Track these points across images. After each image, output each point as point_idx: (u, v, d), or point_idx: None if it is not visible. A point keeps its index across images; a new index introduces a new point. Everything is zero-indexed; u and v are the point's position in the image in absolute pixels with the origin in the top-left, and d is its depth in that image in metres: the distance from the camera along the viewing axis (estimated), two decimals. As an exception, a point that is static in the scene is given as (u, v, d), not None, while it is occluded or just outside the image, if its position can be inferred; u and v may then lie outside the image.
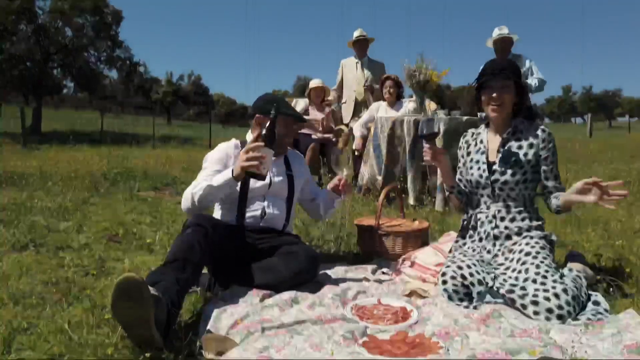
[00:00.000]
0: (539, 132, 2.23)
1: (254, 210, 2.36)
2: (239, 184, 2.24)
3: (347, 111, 6.16)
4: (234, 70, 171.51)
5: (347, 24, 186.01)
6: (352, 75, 6.08)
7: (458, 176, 2.42)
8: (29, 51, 20.67)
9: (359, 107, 6.06)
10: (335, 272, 2.46)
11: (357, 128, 5.47)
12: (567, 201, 2.12)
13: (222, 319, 1.82)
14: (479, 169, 2.28)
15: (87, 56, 23.33)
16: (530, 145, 2.21)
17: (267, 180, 2.34)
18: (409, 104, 4.85)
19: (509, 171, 2.20)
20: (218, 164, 2.34)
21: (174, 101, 45.24)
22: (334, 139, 5.65)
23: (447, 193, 2.41)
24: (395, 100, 5.46)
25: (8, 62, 19.94)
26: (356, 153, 5.42)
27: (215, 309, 1.89)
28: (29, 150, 11.69)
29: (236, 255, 2.23)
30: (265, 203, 2.38)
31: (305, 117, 5.61)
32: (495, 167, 2.24)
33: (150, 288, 1.58)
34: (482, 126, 2.42)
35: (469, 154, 2.38)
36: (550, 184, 2.21)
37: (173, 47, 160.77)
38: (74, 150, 11.02)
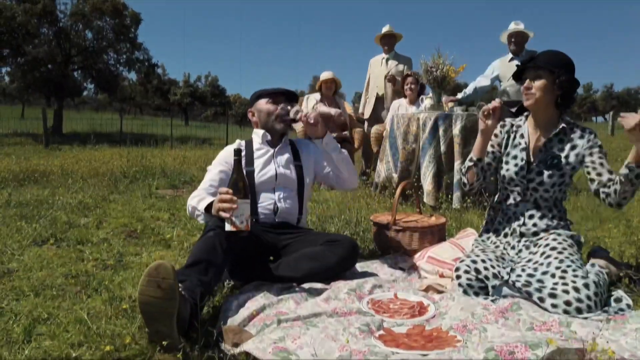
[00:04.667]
0: (584, 133, 2.16)
1: (266, 206, 2.36)
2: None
3: (368, 107, 6.17)
4: (250, 71, 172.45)
5: (366, 24, 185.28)
6: (378, 70, 6.09)
7: (488, 160, 2.31)
8: (50, 54, 21.06)
9: (380, 102, 6.05)
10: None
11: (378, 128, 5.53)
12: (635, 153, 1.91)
13: (239, 312, 1.83)
14: (516, 165, 2.22)
15: (106, 58, 23.69)
16: (573, 147, 2.14)
17: (273, 171, 2.37)
18: (426, 100, 4.81)
19: (547, 172, 2.14)
20: (221, 165, 2.37)
21: (191, 102, 45.67)
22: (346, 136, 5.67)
23: (468, 164, 2.29)
24: (416, 97, 5.44)
25: (30, 64, 20.36)
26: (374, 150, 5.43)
27: (233, 302, 1.90)
28: (51, 150, 11.93)
29: (257, 253, 2.23)
30: (276, 196, 2.38)
31: (324, 108, 5.63)
32: (533, 166, 2.18)
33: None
34: (522, 118, 2.35)
35: (506, 146, 2.31)
36: (604, 177, 2.06)
37: (190, 49, 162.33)
38: (94, 150, 11.19)
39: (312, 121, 2.23)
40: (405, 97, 5.61)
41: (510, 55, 5.26)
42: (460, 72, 4.60)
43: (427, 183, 4.12)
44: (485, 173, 2.30)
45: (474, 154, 2.29)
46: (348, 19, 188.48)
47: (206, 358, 1.49)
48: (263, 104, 2.46)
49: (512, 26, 5.20)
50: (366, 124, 6.19)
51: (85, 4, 21.41)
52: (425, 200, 4.09)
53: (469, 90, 5.43)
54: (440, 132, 4.18)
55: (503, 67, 5.27)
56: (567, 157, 2.14)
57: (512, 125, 2.33)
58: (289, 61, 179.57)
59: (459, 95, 5.32)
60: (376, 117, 6.07)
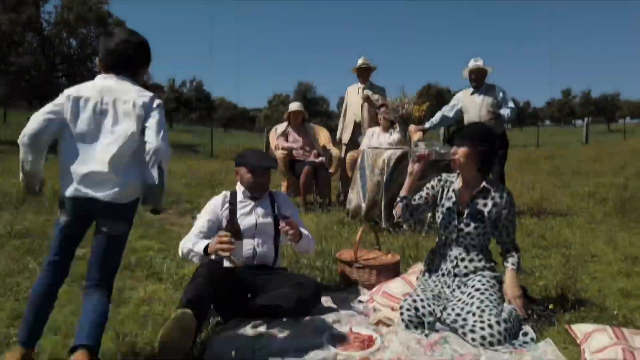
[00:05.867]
0: (503, 194, 2.67)
1: (247, 250, 2.80)
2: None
3: (346, 132, 6.65)
4: (235, 75, 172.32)
5: (350, 30, 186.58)
6: (354, 99, 6.59)
7: (418, 200, 2.81)
8: (35, 62, 21.21)
9: (357, 128, 6.52)
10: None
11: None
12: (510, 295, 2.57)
13: (222, 347, 2.27)
14: (449, 216, 2.72)
15: (91, 65, 23.84)
16: (495, 204, 2.65)
17: (253, 220, 2.81)
18: (394, 135, 5.30)
19: (473, 224, 2.64)
20: (208, 215, 2.83)
21: (176, 107, 45.73)
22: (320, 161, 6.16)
23: (397, 199, 2.81)
24: (390, 125, 5.90)
25: (15, 73, 20.49)
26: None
27: (218, 339, 2.35)
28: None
29: (238, 291, 2.67)
30: (255, 242, 2.82)
31: (285, 143, 6.17)
32: (462, 218, 2.67)
33: None
34: (455, 175, 2.83)
35: (441, 198, 2.81)
36: (505, 239, 2.67)
37: (175, 54, 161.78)
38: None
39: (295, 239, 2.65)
40: (379, 124, 6.08)
41: (472, 89, 5.77)
42: (424, 109, 5.10)
43: (385, 211, 4.64)
44: (413, 212, 2.80)
45: (402, 192, 2.81)
46: (335, 23, 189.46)
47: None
48: (244, 172, 2.87)
49: (472, 63, 5.71)
50: (344, 148, 6.65)
51: (70, 13, 21.59)
52: (383, 225, 4.56)
53: (435, 120, 5.93)
54: (401, 166, 4.68)
55: (466, 99, 5.77)
56: (489, 212, 2.63)
57: (446, 181, 2.83)
58: (276, 65, 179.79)
59: (427, 125, 5.81)
60: (354, 142, 6.53)
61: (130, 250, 4.02)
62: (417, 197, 2.84)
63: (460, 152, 2.63)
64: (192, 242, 2.61)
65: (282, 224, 2.58)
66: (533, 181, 9.32)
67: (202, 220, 2.81)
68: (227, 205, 2.86)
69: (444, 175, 2.88)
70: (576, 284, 3.19)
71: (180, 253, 2.68)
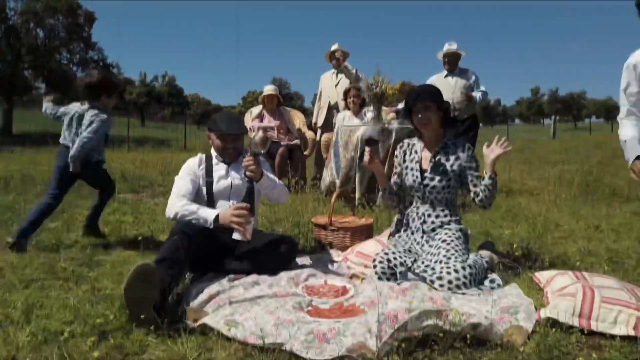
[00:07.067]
0: (464, 146, 2.76)
1: None
2: (205, 188, 2.76)
3: (321, 115, 6.71)
4: (209, 71, 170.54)
5: (324, 29, 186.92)
6: (329, 83, 6.65)
7: (395, 179, 2.93)
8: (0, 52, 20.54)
9: (331, 111, 6.59)
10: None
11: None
12: (488, 165, 2.63)
13: (198, 297, 2.29)
14: (413, 175, 2.80)
15: (59, 57, 23.25)
16: (456, 158, 2.74)
17: (228, 182, 2.82)
18: (368, 114, 5.38)
19: (437, 178, 2.72)
20: (189, 175, 2.80)
21: (147, 102, 44.98)
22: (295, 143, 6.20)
23: (379, 193, 2.92)
24: (359, 109, 6.00)
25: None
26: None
27: (193, 289, 2.37)
28: (0, 152, 11.80)
29: (214, 251, 2.69)
30: (230, 203, 2.83)
31: (261, 123, 6.22)
32: (426, 174, 2.76)
33: None
34: (416, 138, 2.94)
35: (405, 161, 2.90)
36: (478, 188, 2.70)
37: (147, 48, 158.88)
38: (51, 153, 11.20)
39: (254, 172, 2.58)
40: (349, 109, 6.16)
41: (445, 72, 5.90)
42: (397, 89, 5.19)
43: (358, 186, 4.73)
44: (399, 193, 2.91)
45: (379, 185, 2.92)
46: (308, 24, 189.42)
47: (173, 330, 1.95)
48: (214, 138, 2.86)
49: (446, 47, 5.85)
50: (319, 131, 6.71)
51: (37, 2, 20.97)
52: (357, 200, 4.65)
53: None
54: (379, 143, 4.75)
55: (439, 81, 5.90)
56: (452, 165, 2.73)
57: (407, 144, 2.92)
58: (249, 62, 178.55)
59: (400, 106, 5.92)
60: (328, 124, 6.60)
61: (104, 222, 4.00)
62: (394, 177, 2.94)
63: (432, 117, 2.73)
64: (196, 206, 2.57)
65: (246, 158, 2.56)
66: (504, 167, 9.58)
67: (184, 181, 2.77)
68: (203, 165, 2.87)
69: (405, 140, 2.98)
70: (542, 247, 3.33)
71: (171, 213, 2.61)
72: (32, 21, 21.27)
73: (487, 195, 2.64)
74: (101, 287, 2.46)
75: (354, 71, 6.39)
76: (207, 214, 2.53)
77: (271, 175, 2.79)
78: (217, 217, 2.50)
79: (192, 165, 2.86)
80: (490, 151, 2.63)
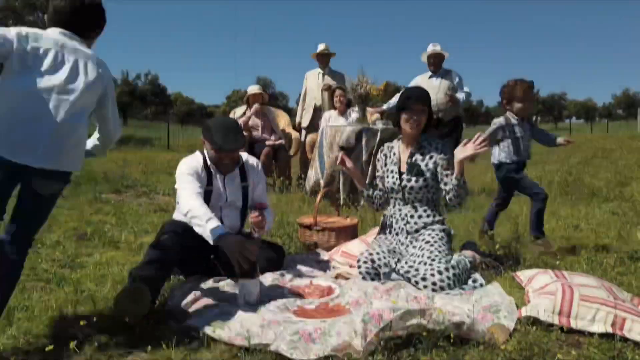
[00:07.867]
0: (438, 145, 2.80)
1: None
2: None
3: (306, 116, 6.71)
4: (193, 70, 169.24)
5: (308, 29, 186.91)
6: (314, 83, 6.65)
7: (377, 182, 2.95)
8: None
9: (317, 112, 6.59)
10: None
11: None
12: (455, 164, 2.65)
13: (184, 297, 2.28)
14: (392, 177, 2.84)
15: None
16: (431, 157, 2.78)
17: (224, 197, 2.74)
18: (353, 114, 5.41)
19: (413, 178, 2.76)
20: (192, 175, 2.60)
21: (130, 101, 44.44)
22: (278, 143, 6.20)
23: (362, 196, 2.94)
24: (345, 109, 6.02)
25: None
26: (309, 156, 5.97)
27: (179, 290, 2.36)
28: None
29: (202, 254, 2.66)
30: (223, 213, 2.75)
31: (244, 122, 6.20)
32: (404, 175, 2.79)
33: None
34: (396, 141, 2.97)
35: (385, 164, 2.93)
36: (448, 186, 2.73)
37: (129, 47, 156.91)
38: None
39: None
40: (335, 108, 6.19)
41: (429, 73, 5.96)
42: (382, 89, 5.23)
43: (343, 187, 4.76)
44: (382, 195, 2.96)
45: (358, 188, 2.97)
46: (292, 24, 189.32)
47: (159, 331, 1.94)
48: (209, 147, 2.67)
49: (430, 48, 5.91)
50: (304, 132, 6.71)
51: (16, -1, 20.58)
52: (341, 200, 4.67)
53: (393, 102, 6.08)
54: (363, 143, 4.79)
55: (423, 83, 5.95)
56: (427, 165, 2.76)
57: (388, 147, 2.97)
58: (233, 61, 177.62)
59: (384, 106, 5.96)
60: (314, 125, 6.60)
61: (86, 222, 3.95)
62: (377, 179, 2.99)
63: (423, 121, 2.76)
64: (207, 217, 2.30)
65: (253, 214, 2.69)
66: (487, 167, 9.69)
67: (193, 182, 2.57)
68: (204, 172, 2.71)
69: (385, 144, 3.01)
70: (522, 247, 3.38)
71: (187, 213, 2.35)
72: (11, 18, 20.82)
73: (454, 195, 2.67)
74: (84, 289, 2.43)
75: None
76: (211, 233, 2.26)
77: (269, 218, 2.82)
78: (220, 236, 2.26)
79: (196, 166, 2.68)
80: (461, 151, 2.63)
